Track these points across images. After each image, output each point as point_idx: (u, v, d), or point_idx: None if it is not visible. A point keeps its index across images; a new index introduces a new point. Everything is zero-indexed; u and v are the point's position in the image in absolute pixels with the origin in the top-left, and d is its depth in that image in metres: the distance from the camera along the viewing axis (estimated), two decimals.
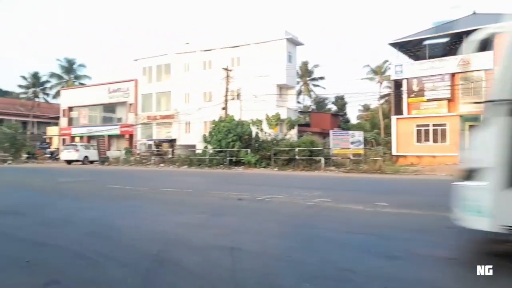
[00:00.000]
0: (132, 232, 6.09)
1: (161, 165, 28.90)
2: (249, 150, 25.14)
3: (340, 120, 47.02)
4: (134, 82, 39.73)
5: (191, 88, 35.81)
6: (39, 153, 42.11)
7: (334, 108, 58.07)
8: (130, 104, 39.96)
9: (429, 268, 4.13)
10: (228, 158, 25.42)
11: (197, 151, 30.46)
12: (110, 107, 42.95)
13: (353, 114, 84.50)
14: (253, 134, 26.67)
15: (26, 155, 38.89)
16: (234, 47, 34.41)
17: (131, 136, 39.57)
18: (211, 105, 32.96)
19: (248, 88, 32.01)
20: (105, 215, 7.66)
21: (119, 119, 41.79)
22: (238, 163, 25.19)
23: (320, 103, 58.70)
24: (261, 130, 26.97)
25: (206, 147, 28.21)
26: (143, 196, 10.43)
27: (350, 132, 26.66)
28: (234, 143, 25.54)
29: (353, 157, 23.61)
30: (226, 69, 30.00)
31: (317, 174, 19.76)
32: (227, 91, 29.54)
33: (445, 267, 4.17)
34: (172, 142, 36.04)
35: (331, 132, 25.47)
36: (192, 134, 35.65)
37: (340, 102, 56.23)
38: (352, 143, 24.64)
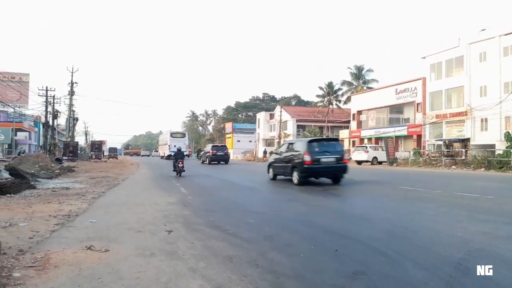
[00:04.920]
0: (429, 235, 5.96)
1: (453, 167, 26.73)
2: None
3: None
4: (421, 81, 38.39)
5: (488, 79, 31.47)
6: None
7: None
8: (418, 104, 38.87)
9: None
10: None
11: (497, 152, 26.45)
12: (397, 108, 43.13)
13: None
14: None
15: None
16: None
17: (418, 136, 38.43)
18: None
19: None
20: (399, 216, 7.81)
21: (406, 120, 41.35)
22: None
23: None
24: None
25: (509, 146, 24.15)
26: (436, 200, 9.98)
27: None
28: None
29: None
30: None
31: None
32: None
33: None
34: (464, 141, 32.71)
35: None
36: (489, 132, 31.22)
37: None
38: None
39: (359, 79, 56.00)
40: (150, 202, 9.74)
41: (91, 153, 51.02)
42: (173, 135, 48.26)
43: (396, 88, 41.78)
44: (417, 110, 38.97)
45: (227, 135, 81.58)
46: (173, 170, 19.35)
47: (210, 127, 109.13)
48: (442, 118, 35.81)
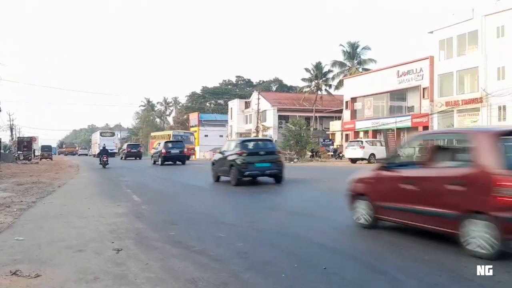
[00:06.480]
0: (437, 246, 6.10)
1: None
2: None
3: None
4: (428, 61, 38.93)
5: (507, 59, 32.37)
6: (322, 151, 47.44)
7: None
8: (424, 89, 39.52)
9: None
10: None
11: None
12: (398, 94, 43.68)
13: None
14: None
15: (310, 153, 44.58)
16: None
17: (425, 128, 39.00)
18: None
19: None
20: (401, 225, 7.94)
21: (410, 108, 42.02)
22: None
23: None
24: None
25: None
26: None
27: None
28: None
29: None
30: None
31: None
32: None
33: None
34: None
35: None
36: (509, 123, 32.08)
37: None
38: None
39: (354, 59, 56.56)
40: (94, 214, 9.64)
41: (18, 152, 49.82)
42: (102, 134, 66.21)
43: (398, 70, 42.38)
44: (423, 97, 39.68)
45: (192, 129, 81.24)
46: (99, 163, 30.57)
47: (170, 119, 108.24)
48: (453, 106, 36.62)
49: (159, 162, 32.96)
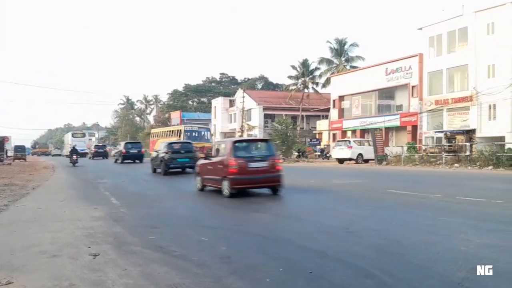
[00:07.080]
0: (425, 250, 6.17)
1: (456, 165, 27.73)
2: None
3: None
4: (417, 58, 39.20)
5: (497, 56, 32.71)
6: (309, 151, 47.66)
7: None
8: (413, 87, 39.80)
9: None
10: None
11: (507, 146, 27.70)
12: (387, 92, 43.91)
13: None
14: None
15: (296, 153, 44.78)
16: None
17: (414, 127, 39.41)
18: None
19: None
20: (390, 227, 8.04)
21: (399, 107, 42.30)
22: None
23: None
24: None
25: None
26: (434, 206, 10.35)
27: None
28: None
29: None
30: None
31: None
32: None
33: None
34: (469, 133, 33.99)
35: None
36: (498, 122, 32.50)
37: None
38: None
39: (341, 56, 56.79)
40: (70, 217, 9.58)
41: None
42: (73, 135, 76.39)
43: (386, 67, 42.64)
44: (412, 95, 39.99)
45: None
46: (70, 162, 33.51)
47: (150, 118, 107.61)
48: (442, 105, 36.94)
49: (120, 161, 39.10)
